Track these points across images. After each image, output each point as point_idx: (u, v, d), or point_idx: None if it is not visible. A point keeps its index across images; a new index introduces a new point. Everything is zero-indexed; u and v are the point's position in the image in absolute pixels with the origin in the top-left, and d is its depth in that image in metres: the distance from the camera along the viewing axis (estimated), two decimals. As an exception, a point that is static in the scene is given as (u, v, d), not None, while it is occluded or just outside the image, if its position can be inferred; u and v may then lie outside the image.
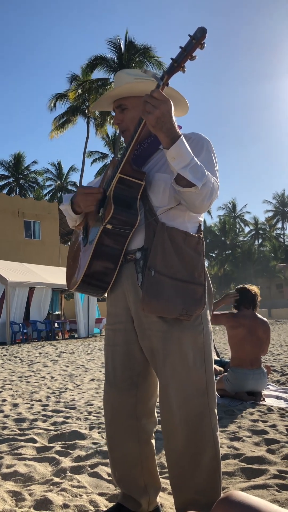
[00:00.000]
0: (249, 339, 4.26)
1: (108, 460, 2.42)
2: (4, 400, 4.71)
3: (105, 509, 1.97)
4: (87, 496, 2.13)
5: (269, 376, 5.31)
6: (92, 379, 6.18)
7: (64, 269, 16.05)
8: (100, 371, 7.00)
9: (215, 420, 1.71)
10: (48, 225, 26.17)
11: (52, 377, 6.52)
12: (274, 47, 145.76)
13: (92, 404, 4.34)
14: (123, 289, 1.78)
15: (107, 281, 1.77)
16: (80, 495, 2.14)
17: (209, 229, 63.73)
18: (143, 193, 1.71)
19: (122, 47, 29.34)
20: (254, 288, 4.51)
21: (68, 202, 1.88)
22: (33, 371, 7.31)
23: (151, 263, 1.64)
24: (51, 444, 3.02)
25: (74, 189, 47.34)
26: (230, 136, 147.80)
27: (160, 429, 1.77)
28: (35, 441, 3.08)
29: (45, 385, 5.80)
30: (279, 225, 68.51)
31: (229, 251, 63.81)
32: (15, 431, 3.39)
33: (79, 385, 5.72)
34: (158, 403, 1.75)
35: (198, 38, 1.42)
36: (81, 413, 3.97)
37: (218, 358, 5.75)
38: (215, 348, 6.16)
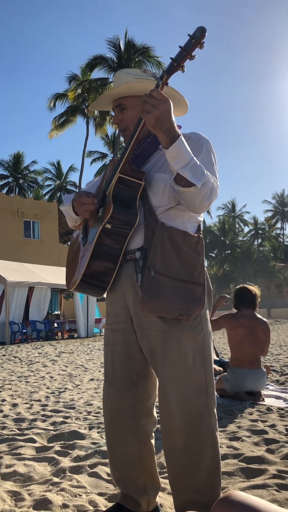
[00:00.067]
0: (249, 339, 4.26)
1: (107, 460, 2.42)
2: (4, 400, 4.71)
3: (104, 509, 1.97)
4: (86, 496, 2.13)
5: (268, 376, 5.31)
6: (92, 379, 6.18)
7: (64, 269, 16.06)
8: (100, 371, 7.00)
9: (215, 420, 1.71)
10: (48, 225, 26.17)
11: (51, 377, 6.52)
12: (274, 47, 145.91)
13: (91, 404, 4.34)
14: (122, 289, 1.78)
15: (107, 281, 1.77)
16: (80, 495, 2.14)
17: (208, 229, 63.75)
18: (142, 193, 1.71)
19: (122, 46, 29.36)
20: (255, 289, 4.50)
21: (69, 203, 1.88)
22: (32, 371, 7.31)
23: (150, 263, 1.64)
24: (51, 444, 3.02)
25: (74, 189, 47.36)
26: (230, 136, 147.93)
27: (160, 429, 1.77)
28: (34, 441, 3.08)
29: (44, 385, 5.79)
30: (279, 225, 68.57)
31: (229, 251, 63.83)
32: (15, 431, 3.39)
33: (79, 385, 5.72)
34: (157, 403, 1.75)
35: (197, 38, 1.42)
36: (81, 413, 3.97)
37: (217, 358, 5.75)
38: (214, 348, 6.16)
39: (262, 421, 3.45)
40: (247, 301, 4.44)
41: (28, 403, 4.51)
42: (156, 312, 1.63)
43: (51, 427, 3.47)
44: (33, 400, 4.68)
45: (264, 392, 4.49)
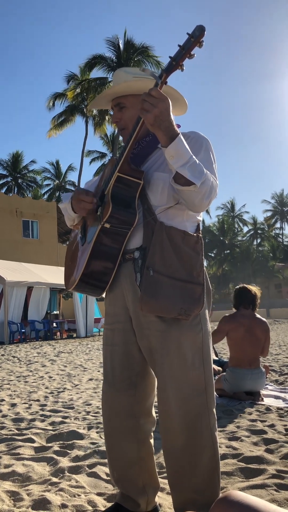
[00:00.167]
0: (248, 339, 4.26)
1: (106, 460, 2.42)
2: (2, 400, 4.70)
3: (103, 509, 1.97)
4: (85, 496, 2.13)
5: (267, 376, 5.32)
6: (91, 379, 6.18)
7: (62, 268, 16.02)
8: (99, 371, 7.00)
9: (214, 420, 1.71)
10: (46, 225, 26.17)
11: (50, 377, 6.51)
12: (274, 47, 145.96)
13: (90, 404, 4.33)
14: (121, 288, 1.77)
15: (106, 281, 1.76)
16: (78, 495, 2.13)
17: (207, 229, 63.79)
18: (141, 192, 1.71)
19: (121, 46, 29.38)
20: (255, 289, 4.50)
21: (68, 200, 1.87)
22: (31, 371, 7.31)
23: (149, 263, 1.64)
24: (49, 444, 3.01)
25: (73, 188, 47.33)
26: (230, 136, 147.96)
27: (158, 429, 1.77)
28: (33, 441, 3.08)
29: (43, 385, 5.79)
30: (278, 224, 68.59)
31: (228, 251, 63.87)
32: (13, 431, 3.39)
33: (77, 385, 5.71)
34: (156, 403, 1.75)
35: (196, 36, 1.42)
36: (79, 413, 3.97)
37: (216, 358, 5.75)
38: (213, 347, 6.16)
39: (261, 421, 3.45)
40: (247, 301, 4.43)
41: (27, 403, 4.51)
42: (155, 311, 1.63)
43: (50, 427, 3.47)
44: (32, 400, 4.68)
45: (263, 392, 4.49)
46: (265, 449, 2.72)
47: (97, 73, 31.54)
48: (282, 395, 4.41)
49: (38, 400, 4.67)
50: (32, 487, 2.25)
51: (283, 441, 2.84)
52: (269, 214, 68.70)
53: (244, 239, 67.60)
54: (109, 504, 2.02)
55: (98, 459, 2.65)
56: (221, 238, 63.73)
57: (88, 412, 3.97)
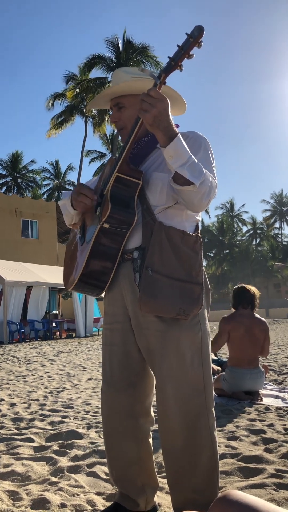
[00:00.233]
0: (247, 339, 4.26)
1: (105, 460, 2.41)
2: (2, 400, 4.70)
3: (102, 508, 1.97)
4: (84, 495, 2.13)
5: (266, 376, 5.32)
6: (90, 379, 6.18)
7: (62, 268, 16.01)
8: (98, 371, 7.00)
9: (213, 420, 1.71)
10: (46, 224, 26.15)
11: (49, 377, 6.51)
12: (273, 46, 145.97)
13: (89, 404, 4.34)
14: (120, 288, 1.77)
15: (105, 281, 1.76)
16: (78, 495, 2.14)
17: (207, 229, 63.77)
18: (140, 192, 1.71)
19: (120, 46, 29.37)
20: (253, 289, 4.50)
21: (68, 197, 1.87)
22: (30, 371, 7.30)
23: (148, 262, 1.64)
24: (49, 444, 3.01)
25: (72, 188, 47.29)
26: (229, 136, 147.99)
27: (157, 428, 1.77)
28: (32, 441, 3.08)
29: (42, 384, 5.79)
30: (277, 224, 68.62)
31: (227, 251, 63.87)
32: (13, 430, 3.39)
33: (77, 384, 5.71)
34: (155, 402, 1.75)
35: (195, 37, 1.42)
36: (79, 412, 3.97)
37: (215, 358, 5.75)
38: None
39: (260, 421, 3.46)
40: (246, 301, 4.43)
41: (26, 403, 4.51)
42: (154, 311, 1.63)
43: (49, 427, 3.47)
44: (31, 400, 4.68)
45: (262, 391, 4.49)
46: (264, 449, 2.72)
47: (96, 73, 31.60)
48: (281, 394, 4.41)
49: (37, 400, 4.67)
50: (31, 487, 2.25)
51: (282, 441, 2.85)
52: (268, 214, 68.76)
53: (243, 239, 67.60)
54: (108, 504, 2.02)
55: (97, 459, 2.65)
56: (220, 238, 63.73)
57: (87, 412, 3.97)
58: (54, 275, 17.46)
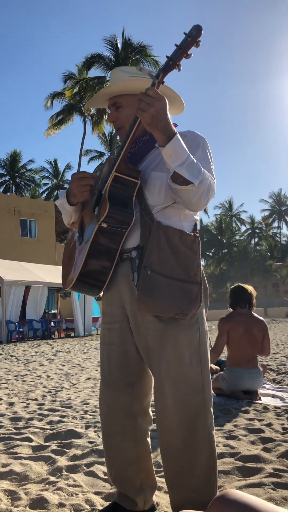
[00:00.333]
0: (245, 338, 4.27)
1: (104, 459, 2.42)
2: (0, 399, 4.70)
3: (101, 508, 1.97)
4: (83, 495, 2.13)
5: (265, 375, 5.32)
6: (88, 378, 6.18)
7: (60, 267, 15.99)
8: (97, 370, 7.00)
9: (211, 419, 1.71)
10: (44, 224, 26.13)
11: (48, 376, 6.51)
12: (272, 46, 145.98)
13: (88, 403, 4.34)
14: (118, 288, 1.77)
15: (103, 280, 1.76)
16: (76, 494, 2.14)
17: (205, 228, 63.82)
18: (138, 192, 1.71)
19: (119, 45, 29.36)
20: (250, 288, 4.50)
21: (64, 195, 1.88)
22: (29, 370, 7.30)
23: (146, 262, 1.64)
24: (47, 443, 3.01)
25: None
26: (227, 136, 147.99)
27: (156, 428, 1.77)
28: (31, 440, 3.08)
29: (41, 384, 5.79)
30: (275, 224, 68.70)
31: (226, 250, 63.93)
32: (11, 430, 3.39)
33: (75, 384, 5.71)
34: (153, 402, 1.75)
35: (193, 36, 1.42)
36: (77, 412, 3.97)
37: (214, 357, 5.75)
38: (211, 346, 6.16)
39: (259, 420, 3.46)
40: (243, 300, 4.43)
41: (24, 402, 4.51)
42: (153, 311, 1.63)
43: (47, 426, 3.47)
44: (30, 399, 4.68)
45: (260, 391, 4.50)
46: (262, 448, 2.73)
47: (95, 72, 31.50)
48: (280, 394, 4.42)
49: (36, 399, 4.67)
50: (29, 486, 2.25)
51: (280, 440, 2.85)
52: (266, 213, 68.83)
53: (241, 238, 67.68)
54: (106, 503, 2.02)
55: (96, 458, 2.65)
56: (219, 238, 63.78)
57: (86, 411, 3.97)
58: (52, 274, 17.46)
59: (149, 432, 1.89)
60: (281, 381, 5.30)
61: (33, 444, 2.99)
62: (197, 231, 1.78)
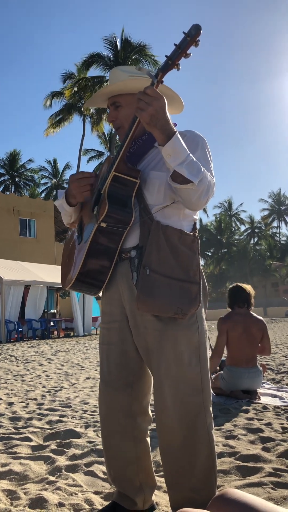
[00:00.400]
0: (244, 338, 4.27)
1: (103, 459, 2.42)
2: (-1, 399, 4.70)
3: (100, 507, 1.97)
4: (82, 494, 2.13)
5: (264, 375, 5.33)
6: (88, 378, 6.18)
7: (60, 267, 15.98)
8: (96, 370, 7.00)
9: (210, 419, 1.71)
10: (44, 223, 26.12)
11: (47, 376, 6.51)
12: (272, 46, 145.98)
13: (87, 403, 4.34)
14: (118, 287, 1.77)
15: (102, 280, 1.76)
16: (76, 494, 2.14)
17: (205, 228, 63.83)
18: (138, 191, 1.70)
19: (118, 44, 29.35)
20: (249, 287, 4.50)
21: (63, 195, 1.87)
22: (28, 370, 7.30)
23: (146, 262, 1.63)
24: (46, 443, 3.01)
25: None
26: (227, 136, 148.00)
27: (155, 427, 1.77)
28: (30, 440, 3.07)
29: (40, 383, 5.79)
30: (275, 223, 68.73)
31: (225, 250, 63.93)
32: (10, 429, 3.38)
33: (75, 383, 5.71)
34: (153, 402, 1.75)
35: (192, 36, 1.42)
36: (77, 411, 3.97)
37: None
38: (210, 346, 6.16)
39: (258, 420, 3.46)
40: (241, 300, 4.43)
41: (24, 402, 4.50)
42: (152, 311, 1.63)
43: (47, 426, 3.46)
44: (29, 399, 4.68)
45: (260, 390, 4.50)
46: (261, 448, 2.73)
47: (94, 71, 31.58)
48: (279, 393, 4.42)
49: (35, 399, 4.67)
50: (29, 486, 2.25)
51: (279, 440, 2.85)
52: (266, 213, 68.88)
53: (241, 238, 67.68)
54: (106, 503, 2.02)
55: (95, 458, 2.65)
56: (218, 237, 63.78)
57: (85, 411, 3.97)
58: (52, 274, 17.45)
59: (148, 432, 1.89)
60: (281, 380, 5.30)
61: (32, 443, 2.99)
62: (197, 230, 1.77)
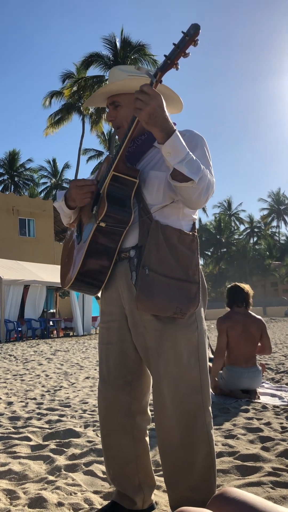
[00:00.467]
0: (243, 338, 4.27)
1: (102, 458, 2.42)
2: (-1, 399, 4.70)
3: (100, 507, 1.97)
4: (81, 494, 2.13)
5: (263, 374, 5.33)
6: (87, 377, 6.18)
7: (59, 267, 15.96)
8: (95, 369, 7.00)
9: (210, 418, 1.71)
10: (43, 223, 26.11)
11: (47, 375, 6.51)
12: (271, 46, 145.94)
13: (87, 402, 4.34)
14: (117, 287, 1.77)
15: (101, 279, 1.76)
16: (75, 493, 2.14)
17: (204, 227, 63.84)
18: (137, 191, 1.70)
19: (118, 44, 29.34)
20: (247, 287, 4.50)
21: (62, 198, 1.87)
22: (27, 369, 7.30)
23: (145, 261, 1.63)
24: (46, 442, 3.01)
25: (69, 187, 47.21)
26: (227, 136, 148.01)
27: (154, 427, 1.77)
28: (29, 439, 3.07)
29: (39, 383, 5.78)
30: (274, 223, 68.77)
31: (224, 249, 63.93)
32: (10, 429, 3.38)
33: (74, 383, 5.71)
34: (152, 401, 1.75)
35: (191, 35, 1.42)
36: (76, 411, 3.97)
37: (212, 356, 5.75)
38: (209, 346, 6.16)
39: (258, 419, 3.46)
40: (240, 299, 4.43)
41: (23, 402, 4.50)
42: (151, 310, 1.63)
43: (46, 426, 3.46)
44: (29, 399, 4.67)
45: (259, 390, 4.50)
46: (261, 447, 2.73)
47: (93, 71, 31.61)
48: (279, 393, 4.42)
49: (34, 399, 4.67)
50: (28, 486, 2.25)
51: (279, 439, 2.85)
52: (265, 212, 68.92)
53: (240, 237, 67.69)
54: (105, 502, 2.02)
55: (95, 457, 2.65)
56: (218, 237, 63.78)
57: (84, 411, 3.97)
58: (51, 273, 17.44)
59: (147, 431, 1.89)
60: (280, 380, 5.30)
61: (32, 443, 2.99)
62: (196, 230, 1.78)
